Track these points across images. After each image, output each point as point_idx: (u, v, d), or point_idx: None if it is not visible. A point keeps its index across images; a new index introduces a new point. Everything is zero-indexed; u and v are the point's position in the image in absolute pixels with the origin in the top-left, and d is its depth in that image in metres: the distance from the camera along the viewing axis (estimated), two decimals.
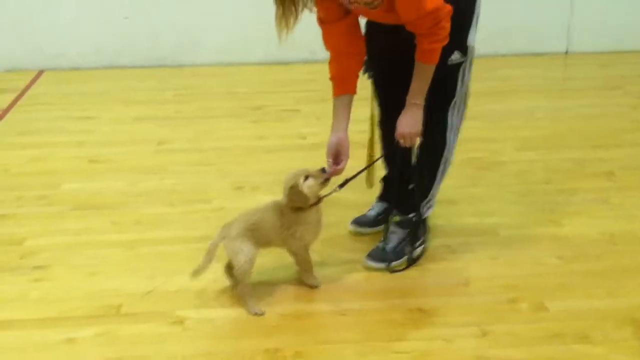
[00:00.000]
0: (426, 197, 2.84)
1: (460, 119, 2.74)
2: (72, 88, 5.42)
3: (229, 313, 2.59)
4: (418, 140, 2.69)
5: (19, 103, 5.05)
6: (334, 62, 2.61)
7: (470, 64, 2.64)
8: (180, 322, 2.53)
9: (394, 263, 2.82)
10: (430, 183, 2.82)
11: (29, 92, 5.33)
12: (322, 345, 2.40)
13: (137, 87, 5.43)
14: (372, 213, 3.12)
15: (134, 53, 5.99)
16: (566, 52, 6.26)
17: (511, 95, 5.21)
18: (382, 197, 3.13)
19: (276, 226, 2.60)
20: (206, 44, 5.99)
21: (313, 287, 2.72)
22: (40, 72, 5.80)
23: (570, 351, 2.38)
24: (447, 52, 2.47)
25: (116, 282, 2.78)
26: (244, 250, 2.55)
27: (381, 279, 2.80)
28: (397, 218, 2.89)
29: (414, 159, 2.82)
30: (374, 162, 2.95)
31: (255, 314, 2.57)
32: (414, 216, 2.83)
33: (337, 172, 2.63)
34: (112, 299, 2.66)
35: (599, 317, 2.56)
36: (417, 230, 2.85)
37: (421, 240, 2.91)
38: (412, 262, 2.85)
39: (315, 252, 2.91)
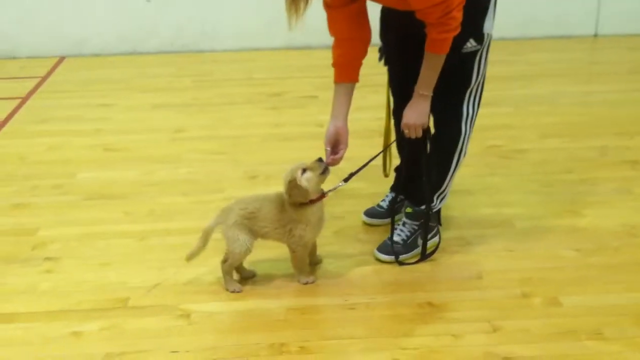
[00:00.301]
0: (439, 188, 2.78)
1: (476, 108, 2.65)
2: (92, 75, 5.42)
3: (235, 306, 2.56)
4: (432, 131, 2.64)
5: (39, 90, 5.07)
6: (337, 47, 2.54)
7: (487, 52, 2.56)
8: (187, 315, 2.51)
9: (403, 256, 2.78)
10: (444, 174, 2.74)
11: (50, 78, 5.34)
12: (328, 341, 2.37)
13: (157, 74, 5.41)
14: (385, 204, 3.07)
15: (156, 39, 5.97)
16: (595, 35, 6.10)
17: (536, 80, 5.09)
18: (394, 188, 3.07)
19: (274, 220, 2.57)
20: (227, 29, 5.94)
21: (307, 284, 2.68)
22: (62, 59, 5.81)
23: (583, 348, 2.31)
24: (461, 40, 2.40)
25: (125, 274, 2.77)
26: (240, 240, 2.55)
27: (392, 272, 2.75)
28: (409, 209, 2.84)
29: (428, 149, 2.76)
30: (377, 155, 2.81)
31: (233, 291, 2.61)
32: (425, 208, 2.77)
33: (335, 162, 2.57)
34: (120, 292, 2.65)
35: (615, 312, 2.49)
36: (428, 223, 2.78)
37: (433, 233, 2.85)
38: (425, 256, 2.79)
39: (326, 245, 2.89)
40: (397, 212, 2.92)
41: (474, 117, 2.66)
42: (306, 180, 2.49)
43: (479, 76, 2.57)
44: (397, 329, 2.43)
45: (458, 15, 2.28)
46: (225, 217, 2.58)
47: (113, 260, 2.87)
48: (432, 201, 2.76)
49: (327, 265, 2.78)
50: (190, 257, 2.63)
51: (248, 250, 2.57)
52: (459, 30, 2.31)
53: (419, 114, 2.49)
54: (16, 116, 4.54)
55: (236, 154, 3.90)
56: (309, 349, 2.32)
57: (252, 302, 2.58)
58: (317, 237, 2.70)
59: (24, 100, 4.83)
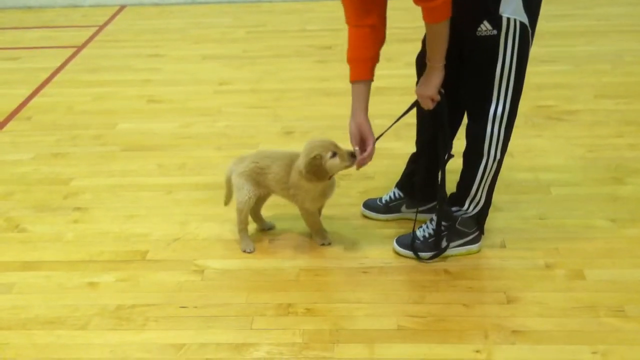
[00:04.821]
0: (469, 192, 2.49)
1: (508, 107, 2.31)
2: (148, 24, 5.47)
3: (250, 265, 2.57)
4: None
5: (95, 39, 5.16)
6: (349, 38, 2.37)
7: (519, 42, 2.20)
8: (201, 271, 2.53)
9: (421, 254, 2.55)
10: (471, 178, 2.46)
11: (107, 28, 5.42)
12: (335, 304, 2.34)
13: (212, 25, 5.41)
14: (385, 198, 2.83)
15: None
16: None
17: (603, 36, 4.84)
18: (399, 184, 2.85)
19: (281, 181, 2.54)
20: None
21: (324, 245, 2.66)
22: (122, 8, 5.88)
23: (599, 325, 2.21)
24: (474, 20, 2.18)
25: (149, 227, 2.81)
26: (244, 189, 2.57)
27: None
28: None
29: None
30: (400, 117, 2.56)
31: (244, 251, 2.62)
32: (456, 210, 2.55)
33: (364, 161, 2.41)
34: (140, 245, 2.70)
35: None
36: (454, 226, 2.52)
37: (467, 240, 2.56)
38: (439, 253, 2.55)
39: (349, 205, 2.88)
40: (393, 211, 2.80)
41: (504, 117, 2.32)
42: (331, 165, 2.40)
43: (505, 69, 2.24)
44: (408, 295, 2.38)
45: None
46: (237, 165, 2.61)
47: (139, 212, 2.91)
48: (463, 204, 2.53)
49: (347, 226, 2.74)
50: (226, 203, 2.72)
51: (250, 200, 2.58)
52: (438, 3, 2.08)
53: (426, 85, 2.32)
54: (69, 65, 4.64)
55: (277, 108, 3.87)
56: (315, 311, 2.31)
57: (267, 261, 2.58)
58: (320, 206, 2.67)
59: (79, 49, 4.92)
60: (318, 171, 2.41)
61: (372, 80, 2.42)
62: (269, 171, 2.54)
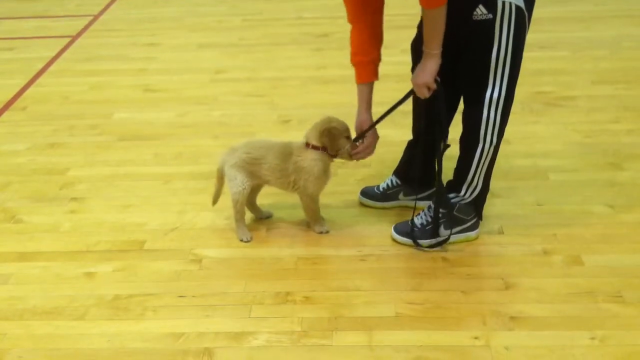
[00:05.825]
0: (465, 178, 2.48)
1: (504, 92, 2.29)
2: (144, 13, 5.45)
3: (247, 253, 2.56)
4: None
5: (90, 28, 5.14)
6: (351, 37, 2.45)
7: (514, 26, 2.19)
8: (198, 260, 2.52)
9: (420, 242, 2.54)
10: (468, 163, 2.45)
11: (102, 17, 5.39)
12: (333, 292, 2.34)
13: (208, 13, 5.40)
14: (382, 186, 2.83)
15: None
16: None
17: (600, 22, 4.83)
18: (396, 172, 2.83)
19: (276, 170, 2.54)
20: None
21: (322, 233, 2.66)
22: None
23: (597, 310, 2.21)
24: (469, 4, 2.18)
25: (146, 217, 2.80)
26: (237, 180, 2.56)
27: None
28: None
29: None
30: (397, 106, 2.55)
31: (242, 240, 2.61)
32: (436, 190, 2.54)
33: (364, 153, 2.60)
34: (138, 235, 2.69)
35: (639, 274, 2.36)
36: (452, 213, 2.51)
37: (465, 227, 2.55)
38: (440, 242, 2.54)
39: (346, 193, 2.87)
40: (390, 198, 2.80)
41: (500, 102, 2.31)
42: (343, 142, 2.56)
43: (500, 53, 2.23)
44: (406, 282, 2.38)
45: None
46: (229, 156, 2.60)
47: (136, 202, 2.90)
48: (460, 190, 2.52)
49: (345, 214, 2.74)
50: (215, 201, 2.69)
51: (244, 191, 2.57)
52: None
53: (422, 72, 2.32)
54: (64, 54, 4.62)
55: (273, 96, 3.86)
56: (313, 299, 2.31)
57: (265, 249, 2.58)
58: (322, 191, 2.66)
59: (74, 38, 4.90)
60: (332, 139, 2.52)
61: (376, 79, 2.52)
62: (264, 161, 2.54)
